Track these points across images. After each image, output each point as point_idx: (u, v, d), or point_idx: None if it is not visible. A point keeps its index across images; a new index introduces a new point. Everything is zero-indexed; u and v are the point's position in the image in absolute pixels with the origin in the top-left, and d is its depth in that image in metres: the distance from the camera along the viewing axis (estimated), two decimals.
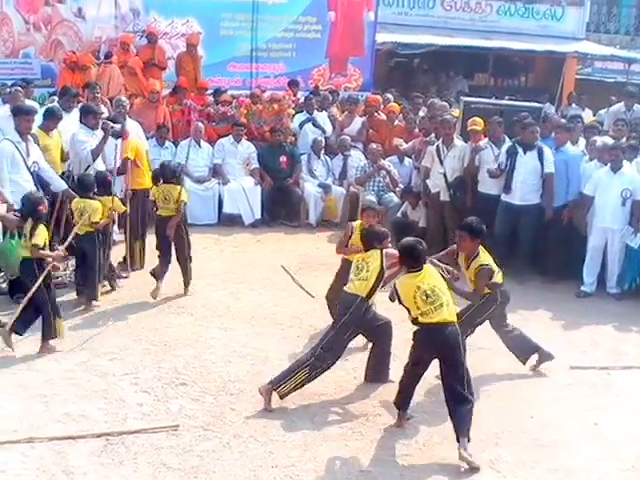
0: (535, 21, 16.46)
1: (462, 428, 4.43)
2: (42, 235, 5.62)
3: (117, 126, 7.39)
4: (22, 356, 5.51)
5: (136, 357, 5.59)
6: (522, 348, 5.64)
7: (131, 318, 6.37)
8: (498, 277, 5.33)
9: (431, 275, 4.66)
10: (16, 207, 6.23)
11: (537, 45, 15.51)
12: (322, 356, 4.98)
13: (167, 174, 6.81)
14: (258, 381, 5.23)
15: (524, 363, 5.66)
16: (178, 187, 6.76)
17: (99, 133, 7.11)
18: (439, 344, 4.55)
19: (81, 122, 7.22)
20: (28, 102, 8.26)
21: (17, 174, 6.46)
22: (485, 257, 5.28)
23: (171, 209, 6.76)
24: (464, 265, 5.37)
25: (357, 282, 5.07)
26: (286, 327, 6.31)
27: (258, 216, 9.69)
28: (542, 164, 7.66)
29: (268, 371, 5.39)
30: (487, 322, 5.46)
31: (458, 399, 4.50)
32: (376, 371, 5.41)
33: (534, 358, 5.70)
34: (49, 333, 5.66)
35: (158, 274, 6.84)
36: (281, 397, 4.96)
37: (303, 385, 4.97)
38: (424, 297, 4.52)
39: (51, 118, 7.15)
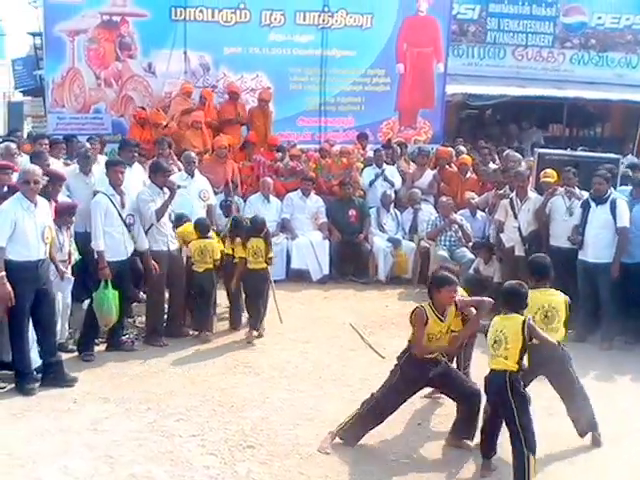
0: (610, 69, 16.04)
1: None
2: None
3: (182, 184, 7.53)
4: (89, 416, 5.46)
5: (203, 418, 5.47)
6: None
7: (198, 377, 6.28)
8: None
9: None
10: (109, 256, 6.48)
11: (613, 94, 15.05)
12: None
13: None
14: None
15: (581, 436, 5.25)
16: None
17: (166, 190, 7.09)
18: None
19: (150, 179, 7.21)
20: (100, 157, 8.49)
21: (111, 226, 6.60)
22: None
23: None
24: None
25: None
26: (356, 389, 6.05)
27: (326, 272, 9.57)
28: (615, 218, 7.31)
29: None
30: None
31: None
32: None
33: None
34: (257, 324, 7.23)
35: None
36: None
37: None
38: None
39: None
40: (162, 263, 7.00)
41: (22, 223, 5.74)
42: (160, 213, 6.93)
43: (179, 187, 7.24)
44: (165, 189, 7.03)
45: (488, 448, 4.81)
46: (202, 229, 7.37)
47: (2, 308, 5.72)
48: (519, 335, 4.53)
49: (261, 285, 7.32)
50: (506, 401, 4.54)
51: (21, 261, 5.75)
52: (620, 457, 5.11)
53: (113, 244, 6.61)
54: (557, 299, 5.14)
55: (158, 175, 7.05)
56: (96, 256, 6.59)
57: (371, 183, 10.37)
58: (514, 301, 4.68)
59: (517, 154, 10.45)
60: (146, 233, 6.97)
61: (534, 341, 4.63)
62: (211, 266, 7.33)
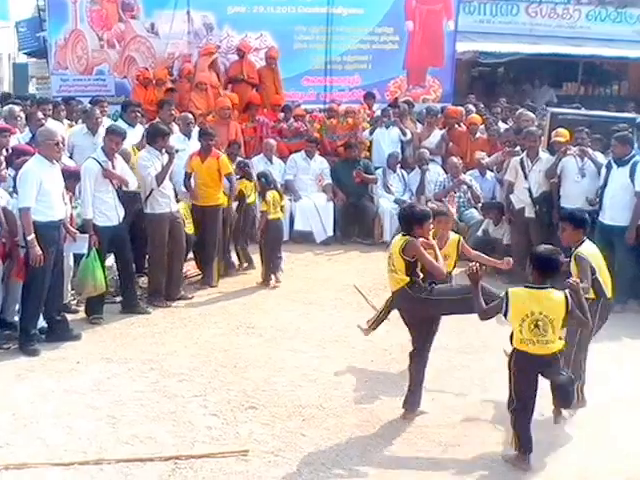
0: (628, 26, 15.58)
1: None
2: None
3: (181, 146, 7.48)
4: (92, 377, 5.48)
5: (205, 379, 5.48)
6: None
7: (200, 338, 6.29)
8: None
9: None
10: (97, 222, 6.40)
11: (630, 51, 14.69)
12: None
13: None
14: (329, 406, 5.04)
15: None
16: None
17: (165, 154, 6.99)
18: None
19: (148, 143, 7.05)
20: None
21: (101, 192, 6.52)
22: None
23: None
24: None
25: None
26: (358, 351, 6.06)
27: (330, 233, 9.49)
28: (634, 181, 7.12)
29: (339, 396, 5.21)
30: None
31: None
32: None
33: None
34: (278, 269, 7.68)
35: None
36: None
37: None
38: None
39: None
40: (164, 224, 6.96)
41: (46, 183, 5.73)
42: (160, 178, 6.85)
43: (177, 151, 7.15)
44: (164, 151, 6.94)
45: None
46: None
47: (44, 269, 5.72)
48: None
49: (281, 233, 8.08)
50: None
51: (45, 221, 5.75)
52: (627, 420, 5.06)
53: (105, 209, 6.52)
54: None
55: (157, 139, 6.92)
56: (82, 223, 6.52)
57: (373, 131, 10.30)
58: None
59: (530, 113, 10.22)
60: (148, 197, 6.92)
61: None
62: None
